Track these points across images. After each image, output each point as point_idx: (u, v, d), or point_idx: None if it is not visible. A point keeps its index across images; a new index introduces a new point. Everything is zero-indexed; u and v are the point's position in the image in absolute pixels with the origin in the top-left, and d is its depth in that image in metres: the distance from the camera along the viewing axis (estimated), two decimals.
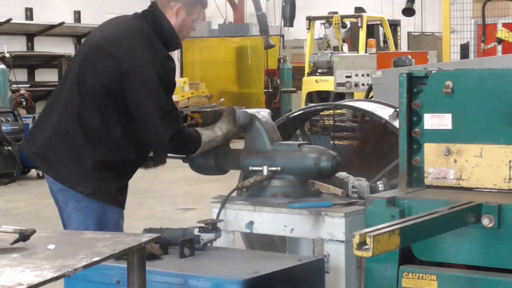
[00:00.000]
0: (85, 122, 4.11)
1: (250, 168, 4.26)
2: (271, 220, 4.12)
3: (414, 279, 3.19)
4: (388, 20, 19.18)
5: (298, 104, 17.53)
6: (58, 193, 4.24)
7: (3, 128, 12.91)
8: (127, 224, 4.36)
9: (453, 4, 12.49)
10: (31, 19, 20.78)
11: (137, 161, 4.26)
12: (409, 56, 10.33)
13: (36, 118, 4.60)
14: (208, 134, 4.26)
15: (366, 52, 17.00)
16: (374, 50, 16.90)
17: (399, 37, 20.21)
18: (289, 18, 19.00)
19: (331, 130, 5.39)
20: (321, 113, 5.46)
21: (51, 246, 2.65)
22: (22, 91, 15.89)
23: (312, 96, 17.09)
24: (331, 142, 5.33)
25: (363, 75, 14.40)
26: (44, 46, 20.32)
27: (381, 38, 19.86)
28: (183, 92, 19.31)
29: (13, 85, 15.86)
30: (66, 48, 20.60)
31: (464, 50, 12.57)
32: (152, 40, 4.14)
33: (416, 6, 17.11)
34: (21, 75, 18.67)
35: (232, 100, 19.29)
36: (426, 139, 3.45)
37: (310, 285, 3.53)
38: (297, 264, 3.50)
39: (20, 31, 20.03)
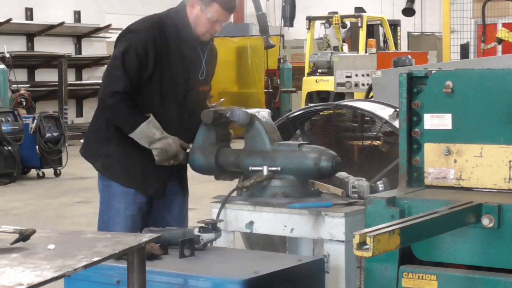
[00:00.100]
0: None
1: (250, 168, 4.26)
2: (271, 220, 4.12)
3: (414, 279, 3.19)
4: (388, 20, 19.17)
5: (298, 104, 17.52)
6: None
7: (3, 128, 12.91)
8: None
9: (453, 4, 12.49)
10: (31, 19, 20.77)
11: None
12: (409, 56, 10.33)
13: None
14: (146, 133, 4.34)
15: (366, 52, 17.00)
16: (374, 50, 16.90)
17: (399, 37, 20.22)
18: (289, 18, 19.00)
19: (331, 130, 5.38)
20: (321, 113, 5.45)
21: (51, 246, 2.65)
22: (22, 91, 15.89)
23: (312, 96, 17.08)
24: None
25: (363, 75, 14.40)
26: (44, 46, 20.32)
27: (381, 38, 19.86)
28: None
29: (13, 85, 15.85)
30: (66, 48, 20.60)
31: (464, 50, 12.58)
32: (153, 19, 4.45)
33: (416, 6, 17.12)
34: (21, 75, 18.67)
35: (232, 100, 19.29)
36: (426, 139, 3.45)
37: (310, 285, 3.52)
38: (297, 264, 3.50)
39: (20, 31, 20.03)
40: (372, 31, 19.59)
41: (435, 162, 3.42)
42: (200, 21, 4.42)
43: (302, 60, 19.88)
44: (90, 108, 21.43)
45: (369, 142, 5.31)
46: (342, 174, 4.38)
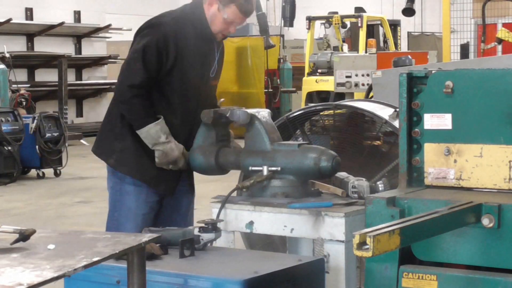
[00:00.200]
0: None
1: (250, 168, 4.26)
2: (271, 220, 4.12)
3: (414, 279, 3.19)
4: (388, 20, 19.17)
5: (298, 104, 17.52)
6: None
7: (3, 128, 12.91)
8: None
9: (453, 4, 12.49)
10: (31, 19, 20.77)
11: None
12: (409, 56, 10.33)
13: None
14: (152, 134, 4.37)
15: (366, 52, 16.99)
16: (374, 50, 16.89)
17: (399, 37, 20.21)
18: (289, 18, 18.99)
19: (331, 130, 5.39)
20: (321, 113, 5.46)
21: (51, 246, 2.65)
22: (22, 91, 15.88)
23: (312, 96, 17.08)
24: (331, 142, 5.33)
25: (363, 75, 14.40)
26: (44, 46, 20.32)
27: (381, 38, 19.85)
28: None
29: (13, 85, 15.85)
30: (66, 48, 20.60)
31: (464, 50, 12.58)
32: (173, 14, 4.52)
33: (416, 6, 17.12)
34: (21, 75, 18.66)
35: (232, 100, 19.27)
36: (426, 139, 3.45)
37: (310, 285, 3.52)
38: (297, 264, 3.50)
39: (20, 31, 20.03)
40: (372, 31, 19.59)
41: (435, 162, 3.42)
42: (217, 20, 4.47)
43: (302, 60, 19.88)
44: (90, 108, 21.44)
45: (369, 142, 5.32)
46: (342, 174, 4.38)
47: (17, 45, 19.72)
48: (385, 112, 5.20)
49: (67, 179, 13.31)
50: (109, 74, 21.42)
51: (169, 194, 4.57)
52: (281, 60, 21.07)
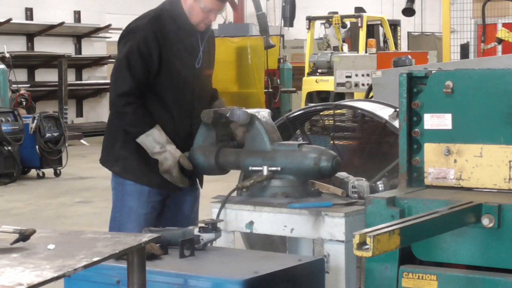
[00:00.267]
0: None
1: (250, 168, 4.26)
2: (271, 220, 4.12)
3: (414, 279, 3.19)
4: (388, 20, 19.17)
5: (298, 104, 17.52)
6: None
7: (3, 128, 12.91)
8: None
9: (453, 4, 12.49)
10: (31, 19, 20.78)
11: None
12: (409, 56, 10.33)
13: None
14: (146, 145, 4.39)
15: (366, 52, 17.00)
16: (374, 50, 16.89)
17: (399, 37, 20.21)
18: (289, 18, 19.00)
19: (331, 130, 5.39)
20: (321, 113, 5.46)
21: (51, 246, 2.65)
22: (22, 91, 15.89)
23: (312, 96, 17.08)
24: (331, 142, 5.33)
25: (363, 75, 14.40)
26: (44, 46, 20.32)
27: (381, 38, 19.85)
28: None
29: (13, 85, 15.86)
30: (66, 48, 20.61)
31: (464, 50, 12.58)
32: (149, 15, 4.49)
33: (416, 6, 17.12)
34: (21, 75, 18.67)
35: (232, 100, 19.27)
36: (426, 139, 3.45)
37: (310, 285, 3.52)
38: (297, 264, 3.49)
39: (20, 31, 20.04)
40: (372, 31, 19.59)
41: (435, 162, 3.42)
42: (195, 11, 4.47)
43: (302, 60, 19.88)
44: (90, 108, 21.45)
45: (369, 142, 5.31)
46: (342, 174, 4.38)
47: (17, 45, 19.73)
48: (385, 112, 5.20)
49: (67, 179, 13.31)
50: (109, 74, 21.33)
51: (176, 191, 4.57)
52: (281, 60, 21.07)
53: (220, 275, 3.33)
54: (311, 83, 17.22)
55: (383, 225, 2.71)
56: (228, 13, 26.44)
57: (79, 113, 21.31)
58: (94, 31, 21.54)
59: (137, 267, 2.76)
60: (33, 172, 13.65)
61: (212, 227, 3.70)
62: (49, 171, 13.54)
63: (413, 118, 3.47)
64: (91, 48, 21.76)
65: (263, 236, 5.05)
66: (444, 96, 3.38)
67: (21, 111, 14.09)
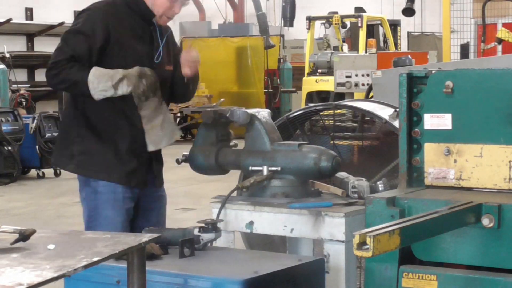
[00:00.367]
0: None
1: (250, 168, 4.26)
2: (271, 220, 4.12)
3: (414, 279, 3.19)
4: (388, 20, 19.19)
5: (298, 104, 17.54)
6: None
7: (3, 128, 12.92)
8: None
9: (453, 4, 12.49)
10: (31, 19, 20.79)
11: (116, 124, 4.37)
12: (409, 56, 10.34)
13: None
14: (101, 72, 4.22)
15: (366, 52, 17.01)
16: (374, 50, 16.91)
17: (399, 37, 20.23)
18: (289, 18, 19.02)
19: (331, 130, 5.39)
20: (321, 113, 5.46)
21: (51, 246, 2.65)
22: (22, 91, 15.90)
23: (312, 96, 17.10)
24: (331, 142, 5.33)
25: (363, 75, 14.41)
26: (44, 46, 20.32)
27: (381, 38, 19.87)
28: None
29: (13, 85, 15.87)
30: None
31: (464, 50, 12.57)
32: (103, 2, 4.40)
33: (416, 6, 17.11)
34: (21, 75, 18.68)
35: (232, 100, 19.29)
36: (426, 139, 3.45)
37: (310, 285, 3.52)
38: (297, 264, 3.50)
39: (20, 31, 20.05)
40: (372, 31, 19.60)
41: (435, 162, 3.42)
42: (158, 2, 4.36)
43: (302, 60, 19.90)
44: None
45: (369, 142, 5.32)
46: (342, 174, 4.38)
47: (17, 45, 19.74)
48: (385, 112, 5.20)
49: (67, 179, 13.29)
50: None
51: (143, 186, 4.43)
52: (281, 60, 21.09)
53: (220, 275, 3.34)
54: (311, 83, 17.24)
55: (383, 225, 2.71)
56: (228, 13, 26.46)
57: None
58: None
59: (137, 267, 2.76)
60: (33, 172, 13.66)
61: (212, 227, 3.71)
62: (49, 171, 13.54)
63: (413, 118, 3.47)
64: None
65: (263, 236, 5.05)
66: (444, 96, 3.38)
67: (21, 111, 14.10)
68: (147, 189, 4.50)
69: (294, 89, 20.69)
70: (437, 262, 3.23)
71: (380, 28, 19.81)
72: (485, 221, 3.06)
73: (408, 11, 15.40)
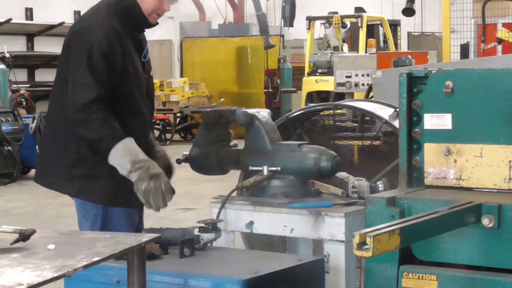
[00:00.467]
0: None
1: (250, 168, 4.26)
2: (271, 220, 4.12)
3: (414, 279, 3.19)
4: (388, 20, 19.19)
5: (298, 104, 17.54)
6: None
7: (3, 128, 12.92)
8: None
9: (453, 4, 12.50)
10: (31, 19, 20.78)
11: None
12: (409, 56, 10.34)
13: None
14: (133, 147, 3.84)
15: (366, 52, 17.01)
16: (374, 50, 16.90)
17: (399, 37, 20.22)
18: (289, 18, 19.03)
19: (331, 130, 5.39)
20: (321, 113, 5.46)
21: (51, 246, 2.65)
22: (22, 91, 15.90)
23: (312, 96, 17.10)
24: (331, 142, 5.33)
25: (363, 75, 14.41)
26: (44, 46, 20.33)
27: (381, 38, 19.86)
28: (183, 92, 19.33)
29: (13, 85, 15.87)
30: None
31: (464, 50, 12.58)
32: (101, 11, 4.05)
33: (416, 6, 17.13)
34: (21, 75, 18.68)
35: (232, 100, 19.31)
36: (426, 139, 3.45)
37: (310, 285, 3.52)
38: (297, 264, 3.50)
39: (20, 31, 20.04)
40: (372, 31, 19.60)
41: (435, 162, 3.42)
42: None
43: (302, 60, 19.90)
44: None
45: (369, 142, 5.32)
46: (342, 174, 4.38)
47: (17, 45, 19.74)
48: (385, 112, 5.20)
49: None
50: None
51: (141, 207, 4.08)
52: (281, 60, 21.10)
53: (220, 275, 3.34)
54: (311, 83, 17.24)
55: (383, 225, 2.71)
56: (228, 13, 26.47)
57: None
58: None
59: (137, 267, 2.76)
60: (33, 172, 13.65)
61: (212, 227, 3.71)
62: None
63: (413, 118, 3.47)
64: None
65: (263, 236, 5.05)
66: (444, 96, 3.38)
67: (21, 111, 14.10)
68: None
69: (294, 89, 20.70)
70: (437, 262, 3.23)
71: (380, 28, 19.80)
72: (485, 221, 3.06)
73: (408, 11, 15.42)
